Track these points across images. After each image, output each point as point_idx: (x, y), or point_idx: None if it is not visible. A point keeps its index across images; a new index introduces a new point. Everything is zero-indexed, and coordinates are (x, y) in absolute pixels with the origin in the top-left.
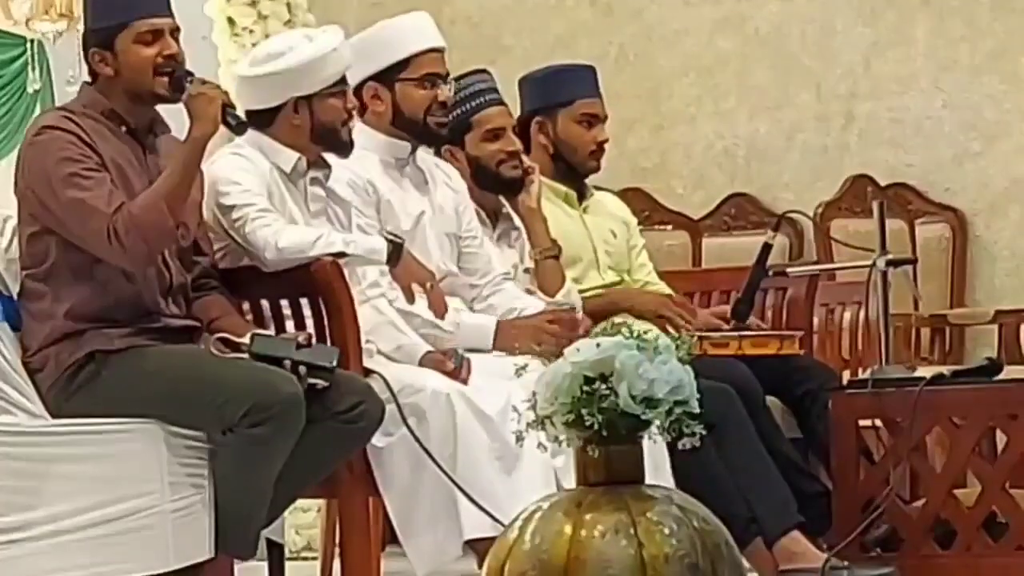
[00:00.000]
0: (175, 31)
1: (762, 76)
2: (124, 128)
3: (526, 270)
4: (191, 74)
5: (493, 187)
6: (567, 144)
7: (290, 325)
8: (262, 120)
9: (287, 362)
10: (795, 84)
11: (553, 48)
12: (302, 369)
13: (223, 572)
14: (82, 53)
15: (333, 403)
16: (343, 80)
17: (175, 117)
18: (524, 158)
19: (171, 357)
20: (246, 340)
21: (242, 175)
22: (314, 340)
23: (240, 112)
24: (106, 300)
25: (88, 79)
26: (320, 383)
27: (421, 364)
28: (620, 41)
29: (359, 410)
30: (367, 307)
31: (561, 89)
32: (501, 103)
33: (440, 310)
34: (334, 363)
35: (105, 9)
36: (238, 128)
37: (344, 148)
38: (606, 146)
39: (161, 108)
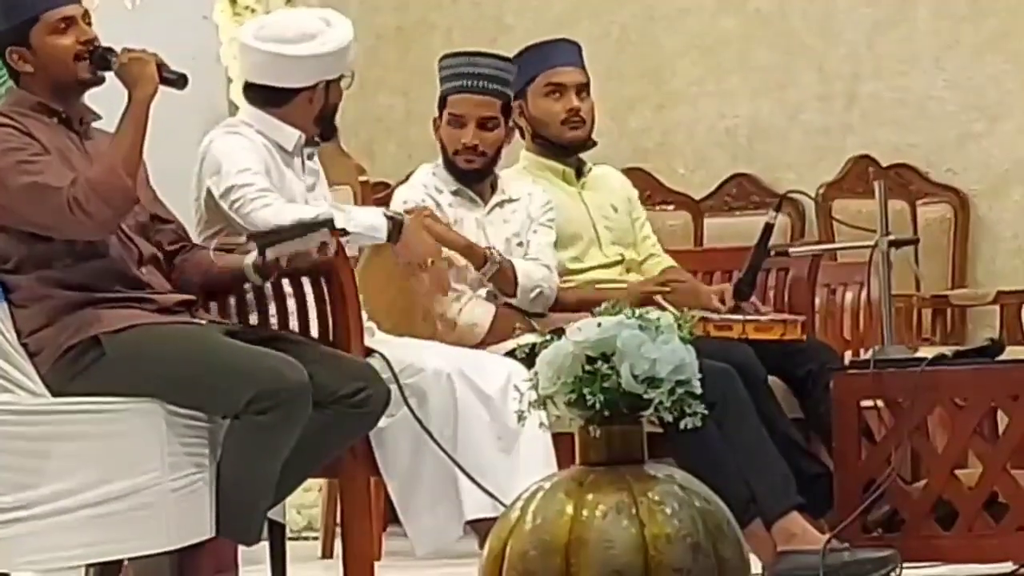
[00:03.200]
0: (85, 15)
1: (764, 56)
2: (56, 119)
3: (519, 243)
4: (111, 49)
5: (458, 177)
6: (538, 119)
7: (291, 303)
8: (274, 98)
9: (287, 233)
10: (797, 64)
11: (555, 27)
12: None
13: (227, 552)
14: None
15: (338, 387)
16: None
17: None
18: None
19: (176, 340)
20: (242, 240)
21: (240, 154)
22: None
23: (232, 93)
24: (86, 272)
25: (12, 82)
26: (324, 236)
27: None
28: (622, 21)
29: (364, 395)
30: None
31: (528, 67)
32: (479, 91)
33: (444, 286)
34: (330, 218)
35: (12, 7)
36: (178, 83)
37: (333, 132)
38: (584, 114)
39: (103, 98)
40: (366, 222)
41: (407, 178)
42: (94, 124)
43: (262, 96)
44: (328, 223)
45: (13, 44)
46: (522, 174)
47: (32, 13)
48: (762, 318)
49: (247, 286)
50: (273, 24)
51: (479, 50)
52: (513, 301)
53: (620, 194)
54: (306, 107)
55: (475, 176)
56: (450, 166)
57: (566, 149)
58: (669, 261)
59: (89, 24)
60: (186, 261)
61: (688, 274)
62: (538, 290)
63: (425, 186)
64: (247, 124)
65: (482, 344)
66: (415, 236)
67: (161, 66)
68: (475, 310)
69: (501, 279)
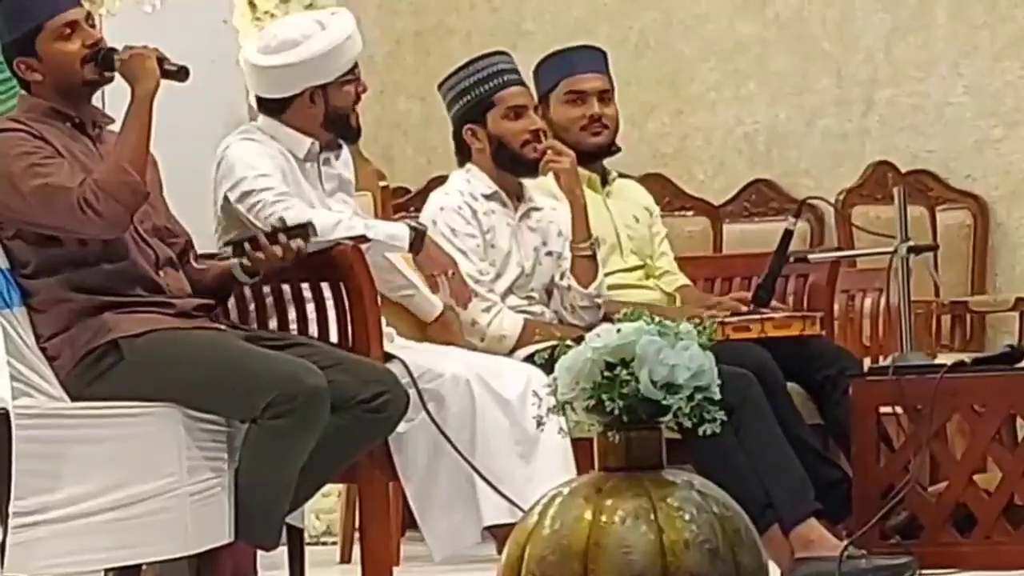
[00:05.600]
0: (88, 17)
1: (782, 61)
2: (69, 124)
3: (548, 253)
4: (115, 49)
5: (512, 167)
6: (559, 125)
7: (310, 308)
8: (275, 107)
9: (261, 237)
10: (815, 70)
11: (573, 33)
12: (282, 237)
13: (245, 556)
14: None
15: (356, 392)
16: (356, 65)
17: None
18: (560, 145)
19: (196, 345)
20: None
21: (257, 160)
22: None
23: (252, 97)
24: (104, 275)
25: (22, 91)
26: (299, 243)
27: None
28: (640, 26)
29: (383, 400)
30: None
31: (551, 72)
32: (523, 83)
33: (463, 298)
34: (308, 221)
35: (15, 18)
36: (180, 75)
37: (352, 134)
38: (607, 121)
39: (111, 101)
40: (387, 230)
41: (428, 185)
42: (107, 127)
43: (264, 105)
44: (358, 238)
45: (20, 54)
46: (546, 182)
47: (36, 22)
48: (778, 315)
49: (265, 292)
50: (266, 33)
51: (489, 51)
52: (579, 292)
53: (642, 206)
54: (306, 113)
55: (534, 167)
56: (511, 161)
57: (589, 155)
58: (683, 280)
59: (92, 26)
60: (195, 271)
61: (703, 295)
62: (600, 298)
63: (461, 192)
64: (262, 131)
65: (508, 354)
66: (436, 247)
67: (162, 60)
68: (504, 322)
69: (587, 265)
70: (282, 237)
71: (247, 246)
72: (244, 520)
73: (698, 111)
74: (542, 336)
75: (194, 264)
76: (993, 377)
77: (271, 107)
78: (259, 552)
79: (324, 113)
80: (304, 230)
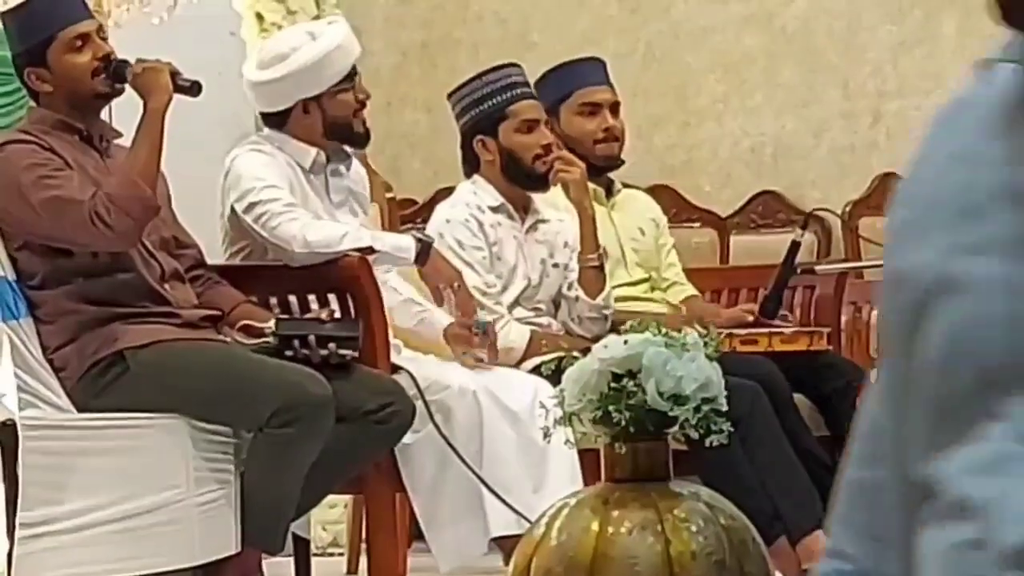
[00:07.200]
0: (100, 30)
1: (789, 73)
2: (78, 137)
3: (555, 265)
4: (127, 62)
5: (522, 181)
6: (571, 137)
7: None
8: (275, 121)
9: (312, 337)
10: (822, 82)
11: (579, 45)
12: (332, 346)
13: (251, 567)
14: (17, 77)
15: (363, 403)
16: (352, 72)
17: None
18: (569, 156)
19: (201, 355)
20: (270, 325)
21: (264, 171)
22: (336, 314)
23: (257, 112)
24: (111, 287)
25: (32, 102)
26: (349, 353)
27: (444, 335)
28: (647, 38)
29: (390, 410)
30: (385, 289)
31: (560, 84)
32: (535, 97)
33: (468, 310)
34: (359, 333)
35: (27, 29)
36: (192, 90)
37: (359, 139)
38: (617, 133)
39: (119, 115)
40: (394, 242)
41: (434, 196)
42: (115, 142)
43: (266, 119)
44: (364, 249)
45: (30, 65)
46: (553, 194)
47: (48, 33)
48: (787, 330)
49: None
50: (262, 48)
51: (504, 62)
52: (586, 303)
53: (648, 218)
54: (304, 125)
55: (544, 181)
56: (522, 174)
57: (598, 168)
58: (691, 290)
59: (104, 39)
60: (204, 296)
61: (710, 305)
62: (608, 310)
63: (467, 205)
64: (269, 142)
65: (515, 365)
66: (442, 259)
67: (175, 74)
68: (511, 334)
69: (595, 276)
70: (332, 346)
71: (296, 343)
72: (249, 524)
73: (705, 123)
74: (549, 347)
75: (207, 276)
76: None
77: (271, 121)
78: (265, 561)
79: (322, 123)
80: (355, 342)
